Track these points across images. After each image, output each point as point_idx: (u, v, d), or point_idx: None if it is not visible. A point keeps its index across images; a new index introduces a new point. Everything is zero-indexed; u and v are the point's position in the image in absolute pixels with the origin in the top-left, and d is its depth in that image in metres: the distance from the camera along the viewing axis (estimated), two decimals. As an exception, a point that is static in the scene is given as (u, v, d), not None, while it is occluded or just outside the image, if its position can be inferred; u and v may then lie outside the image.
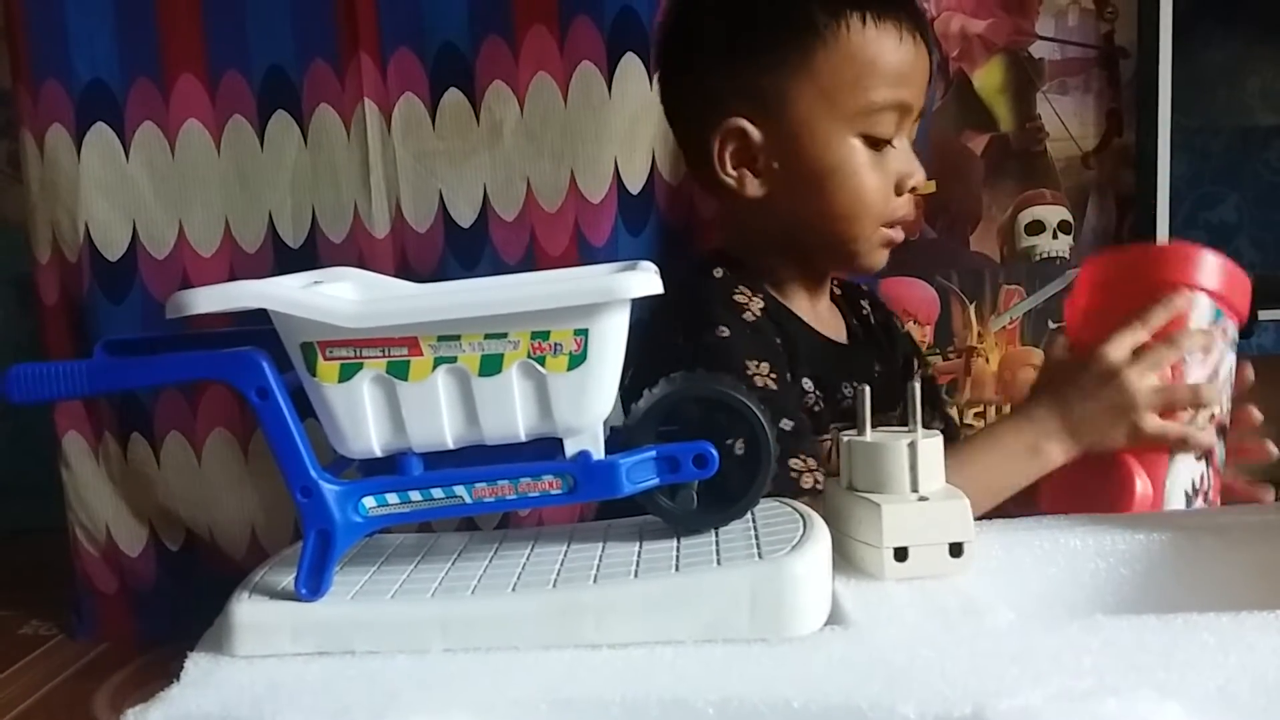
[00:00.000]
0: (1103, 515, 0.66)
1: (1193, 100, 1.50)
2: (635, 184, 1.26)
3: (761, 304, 0.81)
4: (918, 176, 0.82)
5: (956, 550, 0.54)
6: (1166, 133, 1.39)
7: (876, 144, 0.80)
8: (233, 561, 1.34)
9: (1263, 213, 1.70)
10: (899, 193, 0.82)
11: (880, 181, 0.81)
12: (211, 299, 0.48)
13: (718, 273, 0.83)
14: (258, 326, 0.51)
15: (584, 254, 1.25)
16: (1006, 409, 1.49)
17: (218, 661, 0.49)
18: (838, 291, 0.94)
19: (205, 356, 0.51)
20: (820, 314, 0.89)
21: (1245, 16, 1.63)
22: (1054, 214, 1.47)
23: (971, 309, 1.49)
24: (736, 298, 0.81)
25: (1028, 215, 1.47)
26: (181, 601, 1.35)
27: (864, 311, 0.95)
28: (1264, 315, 1.46)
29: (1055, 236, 1.47)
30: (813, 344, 0.84)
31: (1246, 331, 1.42)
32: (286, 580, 0.52)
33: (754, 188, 0.83)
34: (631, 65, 1.23)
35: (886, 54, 0.79)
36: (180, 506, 1.35)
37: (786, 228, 0.84)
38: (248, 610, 0.50)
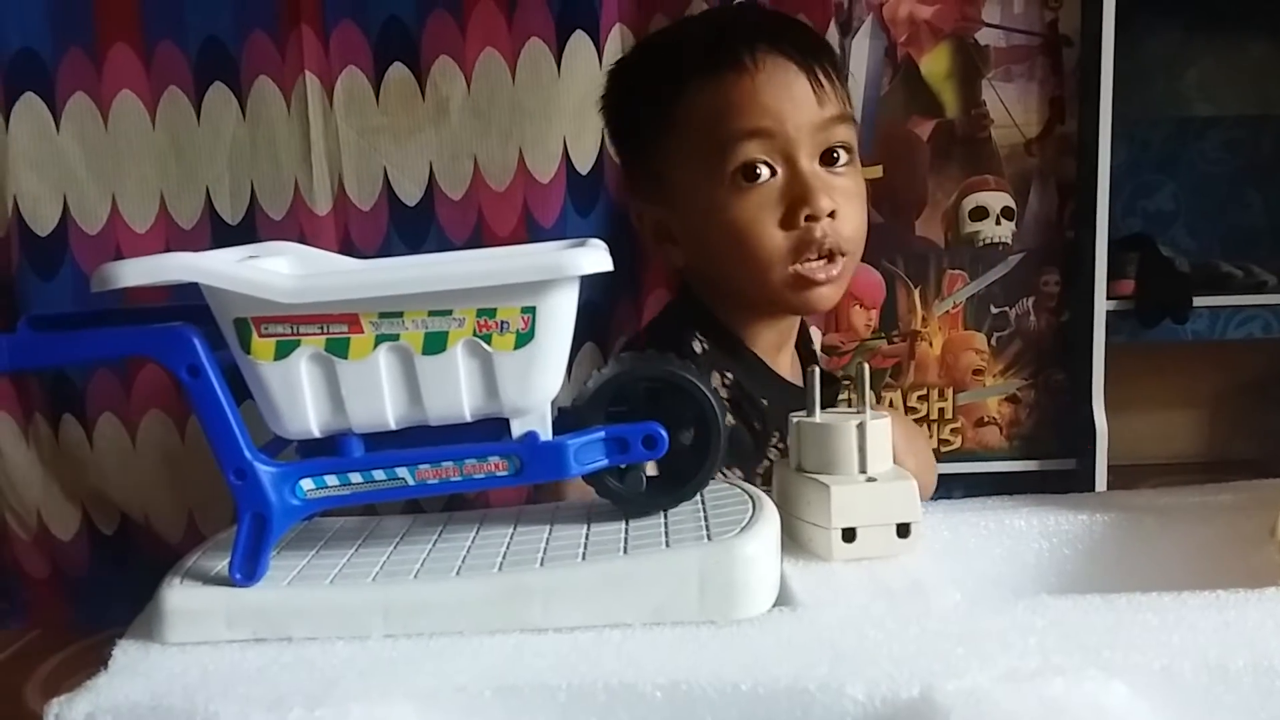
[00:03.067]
0: (1047, 496, 0.66)
1: (1133, 90, 1.53)
2: (584, 164, 1.24)
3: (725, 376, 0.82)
4: (818, 203, 0.78)
5: (904, 531, 0.54)
6: (1108, 121, 1.41)
7: (751, 173, 0.78)
8: (169, 546, 1.31)
9: (1198, 201, 1.74)
10: (792, 224, 0.78)
11: (757, 216, 0.78)
12: (139, 272, 0.46)
13: (697, 347, 0.83)
14: (191, 303, 0.49)
15: (532, 234, 1.24)
16: (949, 392, 1.51)
17: (148, 649, 0.48)
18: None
19: (132, 332, 0.49)
20: (783, 359, 0.89)
21: (1186, 9, 1.66)
22: (997, 200, 1.49)
23: (916, 293, 1.50)
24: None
25: (972, 201, 1.49)
26: (116, 587, 1.32)
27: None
28: (1198, 302, 1.49)
29: (998, 222, 1.49)
30: (768, 378, 0.85)
31: (1180, 318, 1.46)
32: (220, 565, 0.50)
33: (678, 258, 0.86)
34: (581, 43, 1.21)
35: (732, 89, 0.78)
36: (114, 490, 1.32)
37: (715, 286, 0.85)
38: (179, 596, 0.49)
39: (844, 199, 0.80)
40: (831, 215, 0.79)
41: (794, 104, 0.79)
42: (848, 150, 0.82)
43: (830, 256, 0.80)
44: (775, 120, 0.78)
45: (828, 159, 0.80)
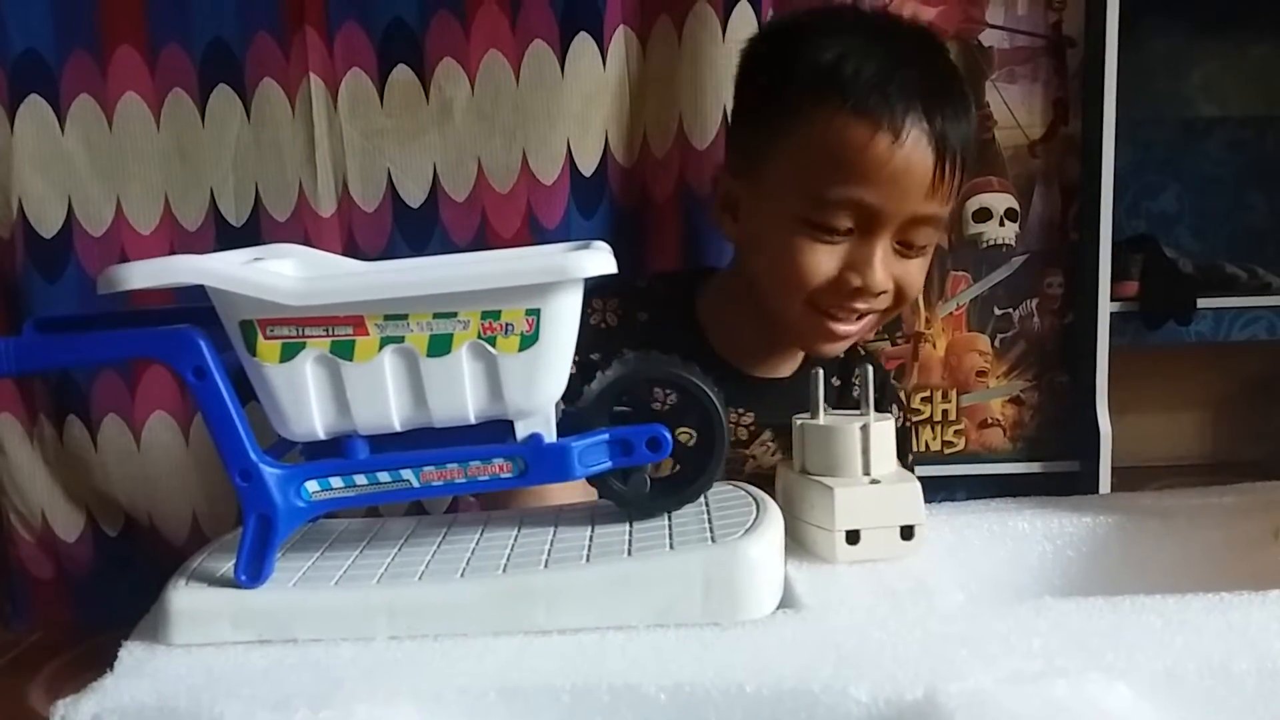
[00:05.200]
0: (1051, 498, 0.66)
1: (1137, 91, 1.52)
2: (588, 166, 1.24)
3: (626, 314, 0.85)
4: (873, 281, 0.77)
5: (907, 533, 0.55)
6: (1111, 123, 1.41)
7: (827, 232, 0.77)
8: (173, 548, 1.31)
9: (1202, 203, 1.74)
10: (842, 289, 0.78)
11: (816, 266, 0.77)
12: (145, 274, 0.46)
13: (641, 282, 0.87)
14: (197, 305, 0.49)
15: (536, 236, 1.24)
16: (952, 393, 1.50)
17: (153, 651, 0.48)
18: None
19: (139, 334, 0.49)
20: (767, 360, 0.89)
21: (1190, 10, 1.65)
22: (1001, 201, 1.48)
23: (919, 295, 1.50)
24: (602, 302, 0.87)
25: (975, 202, 1.48)
26: (121, 589, 1.31)
27: (837, 384, 0.93)
28: (1202, 304, 1.48)
29: (1002, 224, 1.48)
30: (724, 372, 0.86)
31: (1184, 320, 1.45)
32: (226, 566, 0.50)
33: (730, 230, 0.86)
34: (585, 45, 1.21)
35: (862, 145, 0.74)
36: (119, 491, 1.31)
37: (748, 279, 0.85)
38: (185, 598, 0.49)
39: (905, 271, 0.80)
40: (883, 293, 0.79)
41: (908, 191, 0.75)
42: (926, 247, 0.81)
43: (861, 315, 0.80)
44: (884, 200, 0.75)
45: (905, 243, 0.79)
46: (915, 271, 0.81)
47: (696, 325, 0.89)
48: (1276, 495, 0.64)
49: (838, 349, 0.84)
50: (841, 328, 0.80)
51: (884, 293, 0.79)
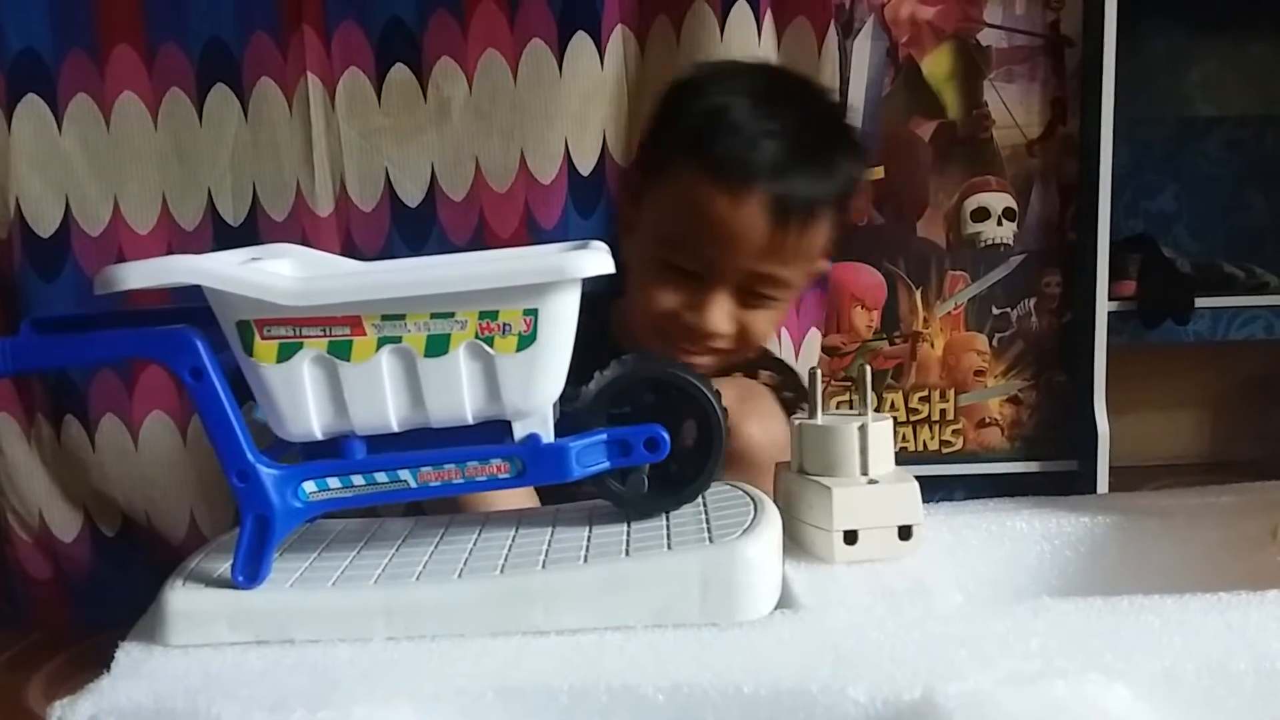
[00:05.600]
0: (1049, 498, 0.66)
1: (1135, 91, 1.53)
2: (586, 165, 1.24)
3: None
4: (702, 323, 0.80)
5: (905, 533, 0.54)
6: (1110, 122, 1.41)
7: (674, 271, 0.81)
8: (171, 548, 1.30)
9: (1200, 202, 1.74)
10: (681, 325, 0.81)
11: (659, 300, 0.81)
12: (143, 274, 0.46)
13: None
14: (194, 305, 0.49)
15: (534, 235, 1.23)
16: (950, 393, 1.50)
17: (150, 651, 0.48)
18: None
19: (136, 334, 0.49)
20: None
21: (1188, 9, 1.65)
22: (999, 201, 1.48)
23: (918, 294, 1.50)
24: None
25: (973, 202, 1.48)
26: (118, 588, 1.31)
27: None
28: (1200, 303, 1.48)
29: (1000, 223, 1.48)
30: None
31: (1182, 319, 1.45)
32: (223, 567, 0.50)
33: (626, 251, 0.86)
34: (583, 44, 1.21)
35: (699, 204, 0.79)
36: (116, 491, 1.31)
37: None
38: (182, 598, 0.49)
39: (751, 319, 0.82)
40: (722, 335, 0.81)
41: (745, 250, 0.79)
42: (774, 300, 0.83)
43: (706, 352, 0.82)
44: (718, 254, 0.79)
45: (750, 294, 0.81)
46: (761, 321, 0.84)
47: (611, 336, 0.90)
48: (1274, 495, 0.64)
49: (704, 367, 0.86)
50: (688, 359, 0.82)
51: (722, 335, 0.82)
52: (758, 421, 0.80)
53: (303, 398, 0.48)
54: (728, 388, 0.58)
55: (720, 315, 0.80)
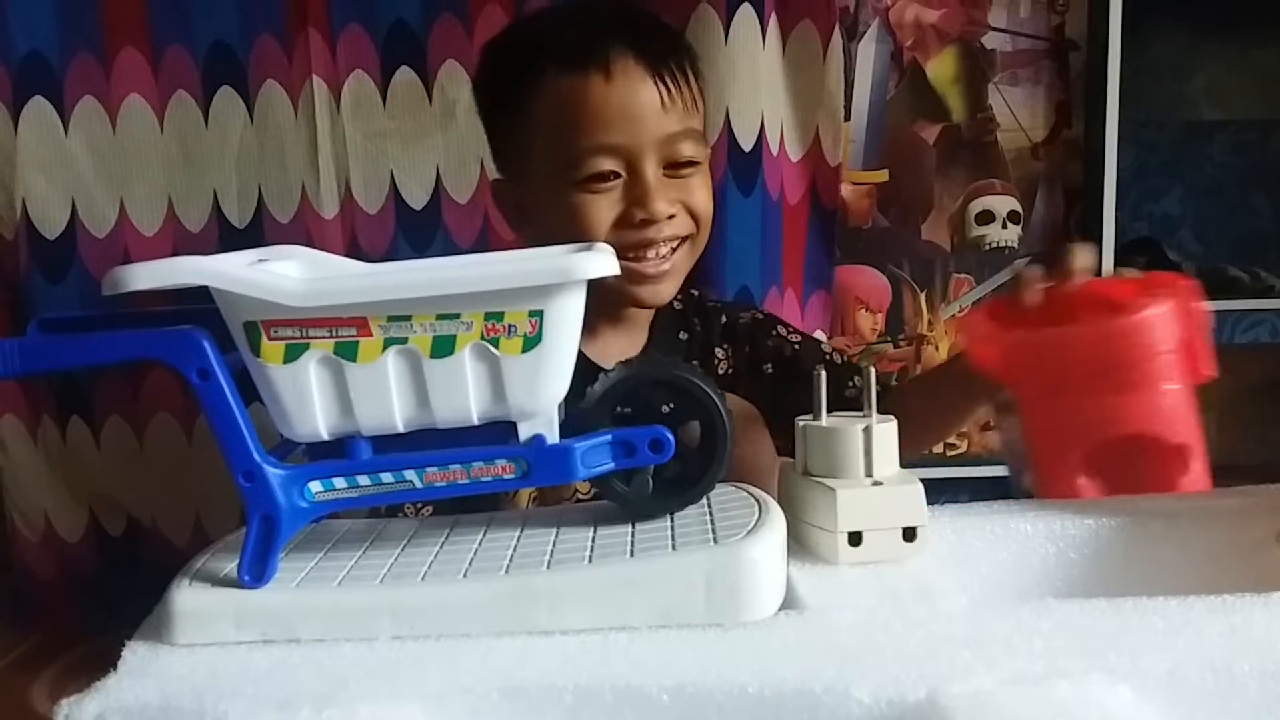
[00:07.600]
0: (1052, 500, 0.66)
1: (1140, 94, 1.52)
2: (588, 168, 1.24)
3: None
4: (654, 208, 0.80)
5: (910, 535, 0.54)
6: (1114, 125, 1.41)
7: (596, 181, 0.80)
8: (176, 548, 1.31)
9: (1205, 205, 1.74)
10: (629, 223, 0.81)
11: (599, 215, 0.81)
12: (150, 275, 0.46)
13: None
14: (200, 305, 0.49)
15: (537, 238, 1.24)
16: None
17: (157, 650, 0.48)
18: (678, 306, 0.94)
19: (143, 335, 0.49)
20: (602, 339, 0.89)
21: (1193, 13, 1.65)
22: (1003, 204, 1.49)
23: (922, 297, 1.50)
24: None
25: (978, 205, 1.48)
26: (123, 589, 1.32)
27: (695, 328, 0.94)
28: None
29: (1004, 226, 1.49)
30: None
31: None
32: (229, 567, 0.50)
33: (531, 233, 0.88)
34: (586, 47, 1.21)
35: (586, 96, 0.79)
36: (121, 491, 1.32)
37: None
38: (188, 597, 0.49)
39: (687, 194, 0.83)
40: (671, 217, 0.82)
41: (643, 118, 0.80)
42: (694, 163, 0.83)
43: (666, 250, 0.83)
44: (624, 135, 0.80)
45: (673, 167, 0.82)
46: (698, 188, 0.84)
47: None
48: (1279, 498, 0.64)
49: (660, 291, 0.85)
50: (651, 268, 0.83)
51: (672, 217, 0.82)
52: (747, 445, 0.82)
53: (309, 398, 0.49)
54: None
55: (658, 198, 0.81)
